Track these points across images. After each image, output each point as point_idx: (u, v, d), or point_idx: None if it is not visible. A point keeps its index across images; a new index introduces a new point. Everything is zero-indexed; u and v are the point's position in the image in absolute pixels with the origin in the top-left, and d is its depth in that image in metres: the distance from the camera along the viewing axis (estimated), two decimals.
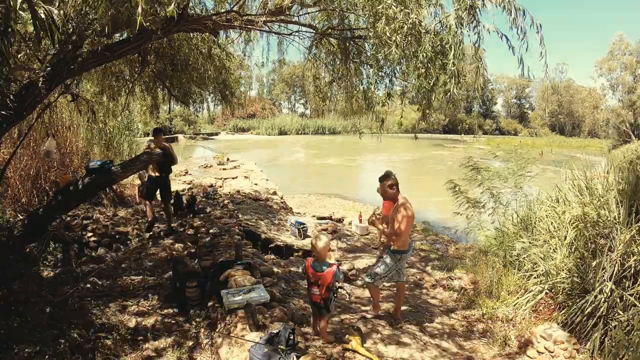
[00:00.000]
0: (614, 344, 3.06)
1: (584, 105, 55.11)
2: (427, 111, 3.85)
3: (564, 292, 3.74)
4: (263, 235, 6.65)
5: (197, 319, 3.54)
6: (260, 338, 2.68)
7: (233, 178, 12.33)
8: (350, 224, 8.09)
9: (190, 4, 3.82)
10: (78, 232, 5.34)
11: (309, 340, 3.11)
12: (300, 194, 12.63)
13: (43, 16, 1.93)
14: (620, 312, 3.24)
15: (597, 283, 3.41)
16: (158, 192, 6.16)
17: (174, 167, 6.31)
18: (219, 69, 6.17)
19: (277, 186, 11.35)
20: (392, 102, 4.28)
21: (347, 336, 3.23)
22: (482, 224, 5.69)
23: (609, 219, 3.71)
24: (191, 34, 5.23)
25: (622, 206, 3.68)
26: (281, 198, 10.18)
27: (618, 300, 3.30)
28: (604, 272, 3.42)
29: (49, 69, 3.04)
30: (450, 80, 3.03)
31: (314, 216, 8.71)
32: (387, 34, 2.92)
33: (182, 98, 6.74)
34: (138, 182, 7.33)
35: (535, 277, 4.12)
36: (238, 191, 9.88)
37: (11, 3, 1.85)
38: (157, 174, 5.91)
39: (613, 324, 3.24)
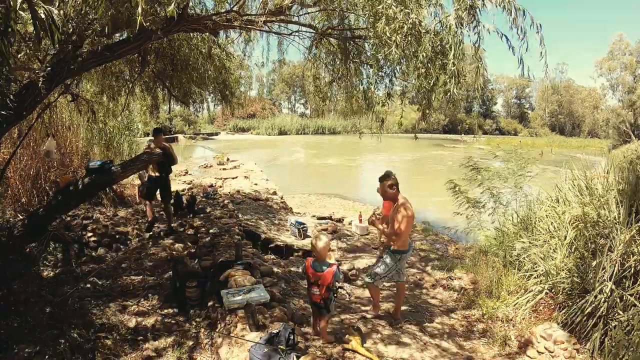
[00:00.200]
0: (614, 344, 3.06)
1: (584, 105, 55.13)
2: (427, 111, 3.84)
3: (564, 292, 3.74)
4: (263, 235, 6.65)
5: (197, 319, 3.54)
6: (260, 338, 2.68)
7: (233, 178, 12.33)
8: (350, 224, 8.09)
9: (190, 4, 3.82)
10: (78, 232, 5.34)
11: (309, 340, 3.11)
12: (300, 194, 12.63)
13: (43, 16, 1.93)
14: (620, 312, 3.24)
15: (597, 283, 3.40)
16: (158, 192, 6.16)
17: (174, 167, 6.31)
18: (219, 68, 6.17)
19: (277, 186, 11.35)
20: (392, 102, 4.28)
21: (347, 336, 3.23)
22: (482, 224, 5.70)
23: (609, 219, 3.71)
24: (191, 34, 5.23)
25: (622, 206, 3.68)
26: (281, 198, 10.18)
27: (618, 300, 3.30)
28: (604, 272, 3.42)
29: (49, 69, 3.04)
30: (450, 80, 3.03)
31: (314, 216, 8.71)
32: (387, 34, 2.92)
33: (182, 98, 6.74)
34: (138, 182, 7.32)
35: (535, 277, 4.12)
36: (238, 191, 9.88)
37: (11, 3, 1.85)
38: (157, 174, 5.91)
39: (613, 324, 3.24)
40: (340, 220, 8.50)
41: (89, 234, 5.41)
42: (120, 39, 4.09)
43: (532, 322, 3.76)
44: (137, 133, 11.88)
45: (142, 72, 5.51)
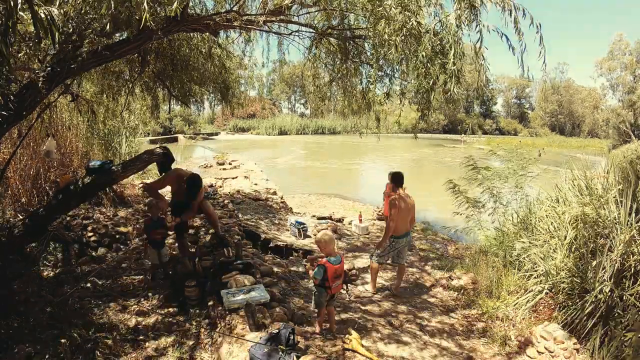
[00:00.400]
0: (614, 344, 3.06)
1: (584, 105, 55.19)
2: (427, 111, 3.84)
3: (564, 292, 3.74)
4: (263, 235, 6.64)
5: (198, 319, 3.54)
6: (260, 338, 2.68)
7: (233, 178, 12.32)
8: (350, 223, 8.09)
9: (191, 4, 3.82)
10: (78, 232, 5.33)
11: (309, 340, 3.11)
12: (300, 194, 12.63)
13: (43, 16, 1.93)
14: (620, 312, 3.24)
15: (597, 283, 3.41)
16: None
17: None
18: (219, 68, 6.17)
19: (277, 186, 11.35)
20: (392, 101, 4.29)
21: (347, 336, 3.23)
22: (482, 223, 5.70)
23: (608, 219, 3.71)
24: (191, 34, 5.23)
25: (622, 206, 3.67)
26: (281, 198, 10.17)
27: (618, 300, 3.30)
28: (603, 272, 3.42)
29: (49, 69, 3.04)
30: (451, 80, 3.03)
31: (314, 216, 8.71)
32: (387, 34, 2.92)
33: (182, 98, 6.73)
34: (138, 182, 7.32)
35: (535, 277, 4.12)
36: (238, 191, 9.87)
37: (11, 3, 1.86)
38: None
39: (613, 324, 3.24)
40: (340, 220, 8.50)
41: (89, 234, 5.41)
42: (120, 39, 4.09)
43: (532, 322, 3.76)
44: (137, 133, 11.85)
45: (142, 72, 5.51)
